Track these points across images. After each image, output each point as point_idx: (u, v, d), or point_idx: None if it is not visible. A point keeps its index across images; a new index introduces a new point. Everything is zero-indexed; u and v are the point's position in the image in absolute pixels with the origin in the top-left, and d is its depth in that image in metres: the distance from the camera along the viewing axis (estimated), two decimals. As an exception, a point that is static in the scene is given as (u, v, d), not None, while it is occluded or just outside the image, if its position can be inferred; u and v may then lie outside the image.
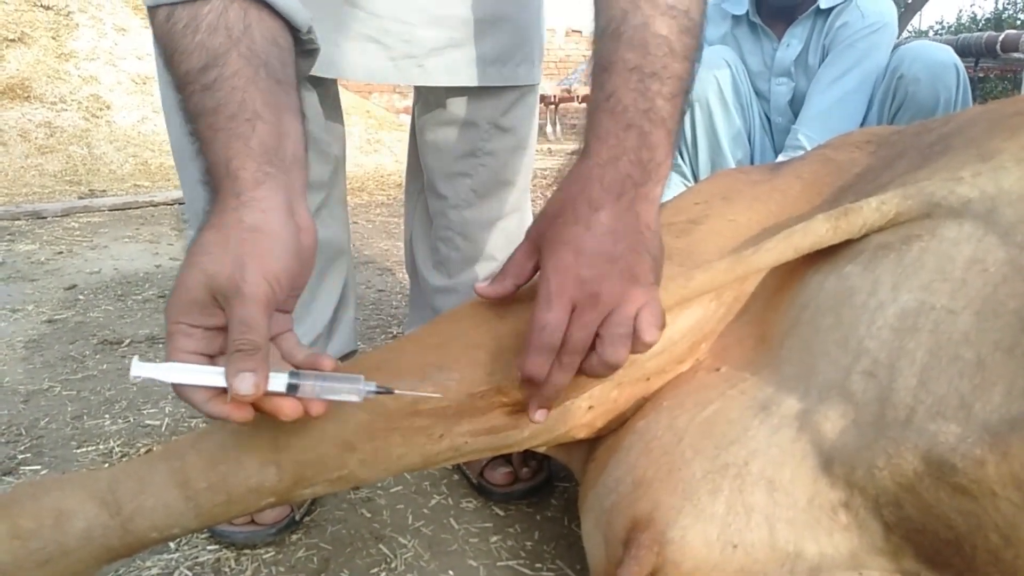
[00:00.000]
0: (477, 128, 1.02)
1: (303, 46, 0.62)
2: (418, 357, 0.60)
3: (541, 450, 0.73)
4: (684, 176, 1.70)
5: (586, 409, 0.64)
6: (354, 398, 0.51)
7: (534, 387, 0.57)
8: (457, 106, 1.01)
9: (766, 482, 0.52)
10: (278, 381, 0.49)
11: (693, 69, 0.61)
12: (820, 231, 0.58)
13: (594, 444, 0.69)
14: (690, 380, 0.63)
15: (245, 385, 0.47)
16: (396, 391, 0.53)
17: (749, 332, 0.64)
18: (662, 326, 0.54)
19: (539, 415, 0.58)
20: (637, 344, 0.54)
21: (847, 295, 0.56)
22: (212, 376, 0.49)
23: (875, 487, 0.48)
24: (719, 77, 1.59)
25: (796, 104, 1.66)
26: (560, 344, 0.54)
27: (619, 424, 0.66)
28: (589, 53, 0.63)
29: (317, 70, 0.80)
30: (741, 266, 0.59)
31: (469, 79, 0.95)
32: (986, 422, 0.44)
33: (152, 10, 0.57)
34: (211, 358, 0.51)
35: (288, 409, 0.50)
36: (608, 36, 0.60)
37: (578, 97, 7.96)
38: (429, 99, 1.03)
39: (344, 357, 1.03)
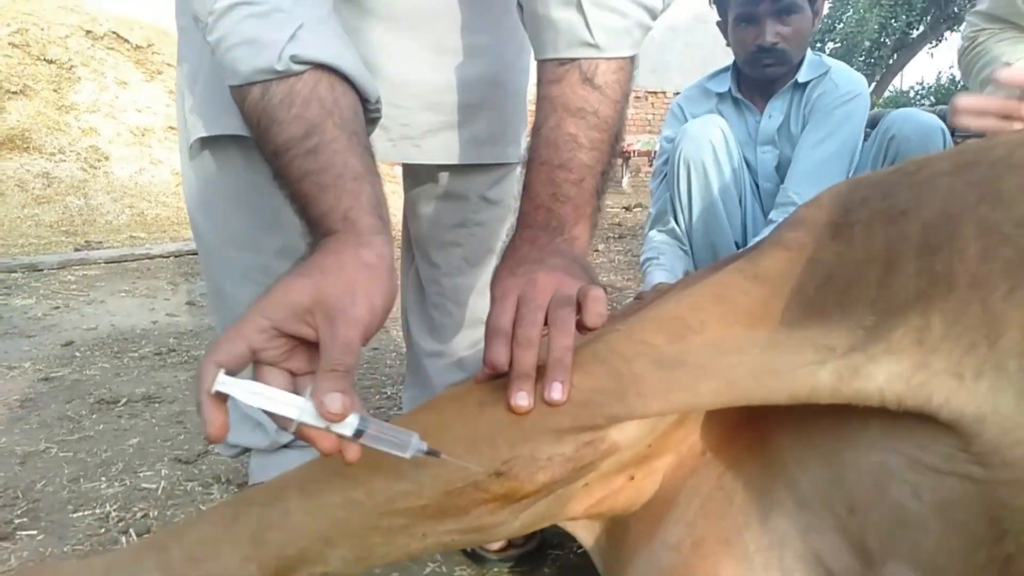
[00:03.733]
0: (467, 201, 1.08)
1: (369, 114, 0.70)
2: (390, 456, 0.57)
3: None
4: (679, 239, 1.74)
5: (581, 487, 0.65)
6: (403, 453, 0.51)
7: (499, 375, 0.59)
8: (448, 181, 1.07)
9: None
10: (349, 421, 0.49)
11: (604, 157, 0.74)
12: (823, 383, 0.51)
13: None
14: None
15: (336, 404, 0.47)
16: (442, 455, 0.52)
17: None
18: (605, 301, 0.58)
19: (518, 397, 0.55)
20: (587, 314, 0.58)
21: None
22: (286, 406, 0.49)
23: None
24: (714, 142, 1.65)
25: (782, 169, 1.74)
26: (512, 328, 0.60)
27: (622, 503, 0.67)
28: None
29: None
30: (731, 395, 0.55)
31: (463, 157, 1.01)
32: None
33: (242, 88, 0.63)
34: (262, 363, 0.52)
35: (352, 454, 0.50)
36: (533, 135, 0.75)
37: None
38: (420, 175, 1.08)
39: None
